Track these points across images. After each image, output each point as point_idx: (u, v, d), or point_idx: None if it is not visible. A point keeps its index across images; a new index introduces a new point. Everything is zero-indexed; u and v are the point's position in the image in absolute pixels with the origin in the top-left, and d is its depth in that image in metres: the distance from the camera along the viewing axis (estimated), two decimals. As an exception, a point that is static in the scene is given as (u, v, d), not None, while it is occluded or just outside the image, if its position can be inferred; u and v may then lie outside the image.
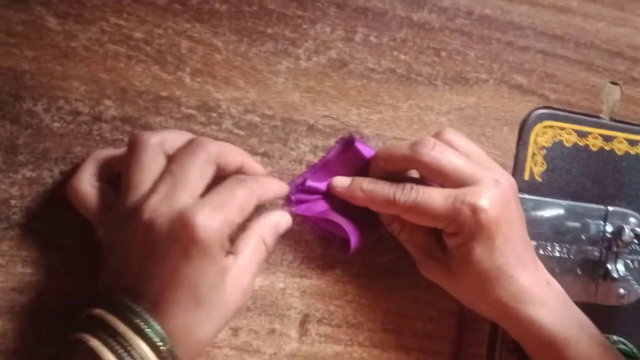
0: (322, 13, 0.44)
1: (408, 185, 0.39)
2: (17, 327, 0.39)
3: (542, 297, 0.40)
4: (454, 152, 0.40)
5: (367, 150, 0.42)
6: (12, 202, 0.39)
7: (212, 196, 0.35)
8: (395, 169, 0.41)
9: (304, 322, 0.43)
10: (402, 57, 0.46)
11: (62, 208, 0.39)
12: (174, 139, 0.37)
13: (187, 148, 0.36)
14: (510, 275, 0.40)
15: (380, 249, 0.45)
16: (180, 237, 0.33)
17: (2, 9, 0.39)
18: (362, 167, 0.42)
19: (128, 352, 0.31)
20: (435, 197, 0.39)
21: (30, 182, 0.39)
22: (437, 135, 0.41)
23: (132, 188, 0.35)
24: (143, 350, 0.31)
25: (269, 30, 0.43)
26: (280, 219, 0.39)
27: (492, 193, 0.39)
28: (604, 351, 0.40)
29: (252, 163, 0.39)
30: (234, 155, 0.38)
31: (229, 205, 0.34)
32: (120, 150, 0.39)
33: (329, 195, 0.42)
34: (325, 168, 0.43)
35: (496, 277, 0.39)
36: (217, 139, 0.42)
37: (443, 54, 0.46)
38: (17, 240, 0.39)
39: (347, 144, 0.43)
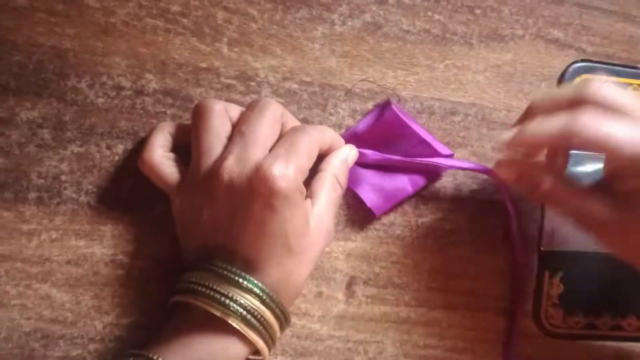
0: (354, -24, 0.47)
1: (585, 114, 0.36)
2: (74, 299, 0.43)
3: None
4: (621, 90, 0.37)
5: (404, 114, 0.46)
6: (63, 177, 0.43)
7: (280, 148, 0.38)
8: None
9: (350, 284, 0.47)
10: (437, 16, 0.49)
11: (111, 180, 0.43)
12: (234, 107, 0.41)
13: (252, 109, 0.40)
14: None
15: (422, 210, 0.48)
16: (261, 191, 0.37)
17: (42, -12, 0.43)
18: (400, 132, 0.46)
19: (234, 301, 0.36)
20: (620, 130, 0.36)
21: (78, 158, 0.43)
22: None
23: (205, 152, 0.39)
24: (247, 298, 0.36)
25: (303, -4, 0.46)
26: (348, 153, 0.43)
27: None
28: None
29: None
30: (288, 115, 0.42)
31: (298, 153, 0.38)
32: (183, 125, 0.43)
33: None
34: (359, 135, 0.46)
35: None
36: (257, 107, 0.45)
37: (477, 11, 0.49)
38: (70, 215, 0.43)
39: (383, 109, 0.46)
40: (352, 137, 0.46)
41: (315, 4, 0.46)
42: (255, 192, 0.37)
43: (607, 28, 0.52)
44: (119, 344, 0.42)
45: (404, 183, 0.46)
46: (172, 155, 0.41)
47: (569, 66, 0.50)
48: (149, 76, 0.44)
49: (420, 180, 0.46)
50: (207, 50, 0.45)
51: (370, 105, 0.47)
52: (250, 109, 0.40)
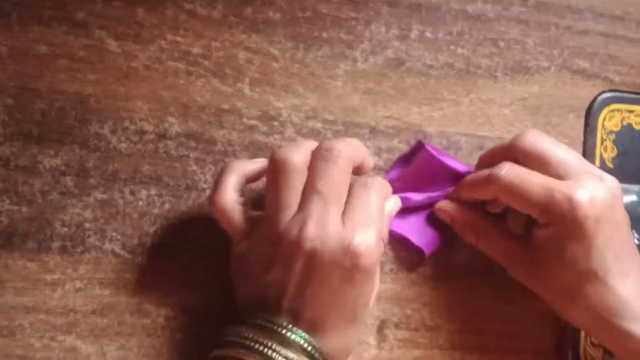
0: (375, 13, 0.47)
1: (507, 164, 0.41)
2: (100, 350, 0.42)
3: None
4: (557, 143, 0.42)
5: (438, 152, 0.45)
6: (86, 225, 0.43)
7: (356, 213, 0.38)
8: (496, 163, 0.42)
9: (381, 328, 0.46)
10: (460, 50, 0.49)
11: (135, 227, 0.43)
12: (309, 149, 0.40)
13: (324, 159, 0.38)
14: (606, 283, 0.39)
15: (453, 249, 0.47)
16: (344, 264, 0.36)
17: (64, 35, 0.43)
18: (438, 172, 0.45)
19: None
20: (533, 180, 0.40)
21: (102, 205, 0.43)
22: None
23: (282, 209, 0.38)
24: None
25: (324, 35, 0.46)
26: (393, 206, 0.43)
27: (595, 189, 0.39)
28: None
29: (368, 156, 0.42)
30: (359, 152, 0.41)
31: (376, 219, 0.38)
32: (255, 163, 0.41)
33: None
34: (395, 181, 0.46)
35: (591, 282, 0.39)
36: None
37: (501, 44, 0.49)
38: (93, 263, 0.43)
39: (415, 150, 0.46)
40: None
41: (336, 41, 0.46)
42: (338, 264, 0.36)
43: (634, 57, 0.51)
44: (147, 396, 0.42)
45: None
46: (242, 199, 0.40)
47: (596, 97, 0.50)
48: (172, 119, 0.44)
49: None
50: (229, 92, 0.45)
51: (395, 142, 0.47)
52: (322, 159, 0.38)
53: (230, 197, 0.39)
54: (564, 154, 0.41)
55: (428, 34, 0.48)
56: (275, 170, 0.39)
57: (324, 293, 0.37)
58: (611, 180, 0.41)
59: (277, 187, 0.38)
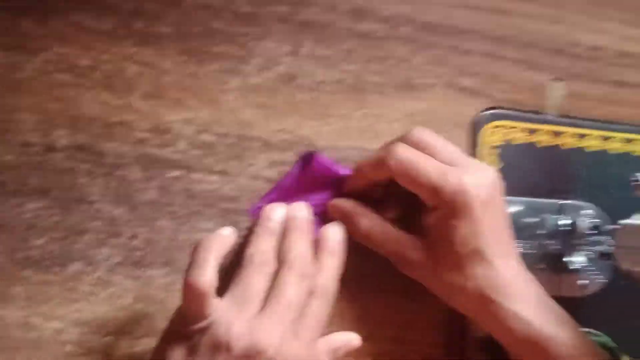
0: (267, 29, 0.50)
1: (402, 145, 0.44)
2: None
3: (524, 291, 0.44)
4: (442, 139, 0.46)
5: (328, 162, 0.48)
6: (-32, 238, 0.43)
7: (311, 322, 0.42)
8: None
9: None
10: (350, 67, 0.52)
11: (22, 240, 0.44)
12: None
13: (290, 270, 0.42)
14: (491, 263, 0.42)
15: (346, 258, 0.50)
16: None
17: (-54, 45, 0.44)
18: (329, 179, 0.48)
19: None
20: (427, 161, 0.43)
21: (-15, 218, 0.44)
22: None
23: (247, 304, 0.40)
24: None
25: (216, 50, 0.49)
26: (345, 343, 0.47)
27: (482, 175, 0.43)
28: (586, 345, 0.45)
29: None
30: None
31: (322, 326, 0.43)
32: (231, 238, 0.42)
33: None
34: (289, 189, 0.49)
35: (478, 263, 0.42)
36: (172, 160, 0.47)
37: (390, 61, 0.53)
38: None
39: (306, 160, 0.49)
40: (279, 192, 0.48)
41: (228, 56, 0.49)
42: None
43: (514, 76, 0.56)
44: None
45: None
46: (215, 284, 0.40)
47: (480, 113, 0.54)
48: (59, 132, 0.45)
49: None
50: (119, 104, 0.46)
51: (288, 155, 0.50)
52: (288, 271, 0.42)
53: (210, 280, 0.39)
54: (450, 146, 0.46)
55: (319, 51, 0.51)
56: (251, 266, 0.42)
57: None
58: (493, 170, 0.46)
59: (248, 283, 0.41)
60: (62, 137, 0.45)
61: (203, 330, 0.39)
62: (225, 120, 0.48)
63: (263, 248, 0.42)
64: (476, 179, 0.44)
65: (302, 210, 0.45)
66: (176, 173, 0.47)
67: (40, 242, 0.44)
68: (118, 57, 0.46)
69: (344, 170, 0.48)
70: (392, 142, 0.47)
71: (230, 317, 0.40)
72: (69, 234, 0.45)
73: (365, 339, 0.49)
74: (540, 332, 0.43)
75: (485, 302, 0.44)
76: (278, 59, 0.50)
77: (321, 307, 0.42)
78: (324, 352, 0.44)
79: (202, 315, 0.39)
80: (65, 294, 0.45)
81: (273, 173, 0.49)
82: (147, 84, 0.47)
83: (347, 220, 0.48)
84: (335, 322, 0.49)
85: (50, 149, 0.45)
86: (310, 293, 0.42)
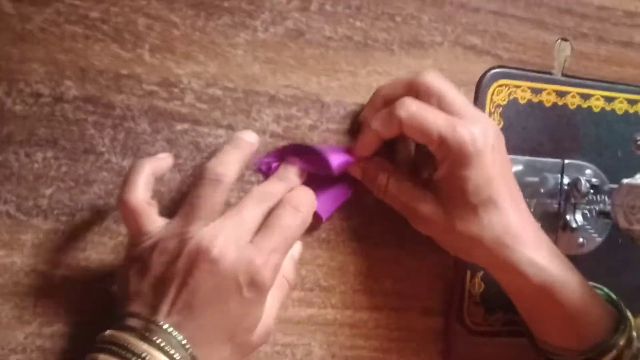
0: (276, -17, 0.50)
1: (409, 99, 0.44)
2: (-6, 311, 0.44)
3: (536, 238, 0.46)
4: (453, 85, 0.47)
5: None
6: (-20, 187, 0.44)
7: (268, 238, 0.41)
8: (396, 98, 0.46)
9: (277, 288, 0.50)
10: (358, 24, 0.52)
11: (30, 189, 0.45)
12: (241, 163, 0.44)
13: (255, 197, 0.43)
14: (505, 211, 0.44)
15: (347, 213, 0.51)
16: (239, 277, 0.39)
17: (-45, -6, 0.44)
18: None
19: None
20: (436, 113, 0.44)
21: (-4, 166, 0.45)
22: None
23: (199, 218, 0.41)
24: None
25: (225, 4, 0.49)
26: (295, 251, 0.47)
27: (488, 125, 0.45)
28: (593, 296, 0.47)
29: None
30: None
31: (281, 248, 0.42)
32: (164, 160, 0.44)
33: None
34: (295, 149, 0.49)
35: (492, 209, 0.44)
36: (180, 114, 0.48)
37: (398, 19, 0.53)
38: (-12, 225, 0.44)
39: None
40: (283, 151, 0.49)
41: (237, 10, 0.49)
42: (234, 276, 0.39)
43: (521, 35, 0.56)
44: (42, 354, 0.44)
45: (343, 186, 0.50)
46: (152, 201, 0.42)
47: (486, 72, 0.55)
48: (69, 83, 0.45)
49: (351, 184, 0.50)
50: (128, 57, 0.47)
51: (294, 110, 0.50)
52: (253, 199, 0.43)
53: (142, 197, 0.40)
54: (459, 95, 0.47)
55: (328, 7, 0.51)
56: (206, 182, 0.42)
57: (214, 299, 0.40)
58: (495, 125, 0.47)
59: (201, 198, 0.41)
60: (71, 88, 0.46)
61: (151, 248, 0.40)
62: (232, 75, 0.49)
63: (223, 164, 0.42)
64: (483, 129, 0.45)
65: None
66: (183, 126, 0.48)
67: (49, 191, 0.45)
68: (128, 10, 0.47)
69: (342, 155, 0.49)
70: (396, 83, 0.48)
71: (175, 228, 0.40)
72: (77, 184, 0.46)
73: (365, 292, 0.51)
74: (554, 278, 0.45)
75: (502, 249, 0.45)
76: (286, 14, 0.50)
77: (287, 219, 0.42)
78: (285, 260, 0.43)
79: (142, 232, 0.40)
80: (73, 242, 0.46)
81: (279, 128, 0.50)
82: (157, 37, 0.47)
83: (365, 175, 0.49)
84: (335, 275, 0.50)
85: (60, 99, 0.45)
86: (281, 206, 0.43)
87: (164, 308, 0.38)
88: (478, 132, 0.43)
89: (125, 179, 0.41)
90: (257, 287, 0.40)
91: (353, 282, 0.51)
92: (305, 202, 0.45)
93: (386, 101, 0.47)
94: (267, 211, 0.42)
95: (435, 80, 0.45)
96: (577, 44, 0.58)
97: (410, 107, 0.45)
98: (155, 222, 0.41)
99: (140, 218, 0.40)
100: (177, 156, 0.48)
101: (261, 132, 0.49)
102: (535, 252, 0.45)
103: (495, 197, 0.44)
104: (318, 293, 0.50)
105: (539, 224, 0.50)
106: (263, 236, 0.41)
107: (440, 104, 0.45)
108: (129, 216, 0.41)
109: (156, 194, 0.46)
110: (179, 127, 0.48)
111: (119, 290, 0.42)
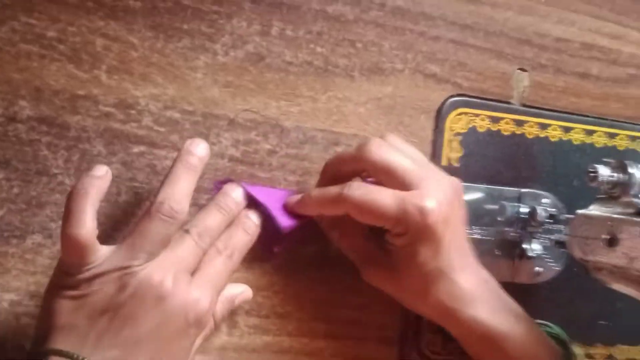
0: (237, 8, 0.50)
1: (356, 183, 0.44)
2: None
3: (481, 296, 0.47)
4: (401, 152, 0.46)
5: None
6: None
7: (209, 276, 0.42)
8: (345, 173, 0.48)
9: (232, 314, 0.49)
10: (319, 49, 0.53)
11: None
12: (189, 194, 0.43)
13: (190, 233, 0.43)
14: (451, 278, 0.46)
15: (306, 241, 0.51)
16: (188, 316, 0.40)
17: None
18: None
19: None
20: (384, 195, 0.43)
21: (-56, 187, 0.43)
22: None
23: (145, 247, 0.40)
24: None
25: (185, 26, 0.49)
26: (238, 294, 0.47)
27: (439, 194, 0.44)
28: (539, 340, 0.48)
29: None
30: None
31: (221, 285, 0.43)
32: (105, 180, 0.41)
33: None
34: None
35: (439, 279, 0.45)
36: (136, 136, 0.47)
37: (359, 45, 0.54)
38: None
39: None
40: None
41: (197, 33, 0.49)
42: (184, 315, 0.40)
43: (481, 64, 0.57)
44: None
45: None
46: (96, 230, 0.39)
47: (445, 100, 0.55)
48: (23, 103, 0.45)
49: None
50: (85, 77, 0.46)
51: (253, 134, 0.50)
52: (188, 231, 0.43)
53: (88, 230, 0.38)
54: (407, 163, 0.46)
55: (288, 32, 0.51)
56: (157, 219, 0.41)
57: (155, 338, 0.39)
58: (450, 182, 0.47)
59: (152, 230, 0.40)
60: (25, 108, 0.45)
61: (92, 278, 0.38)
62: (191, 98, 0.49)
63: (177, 199, 0.41)
64: (435, 200, 0.44)
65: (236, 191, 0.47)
66: (140, 149, 0.47)
67: None
68: (86, 30, 0.46)
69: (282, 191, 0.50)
70: (342, 158, 0.49)
71: (120, 259, 0.39)
72: (29, 206, 0.45)
73: (322, 320, 0.51)
74: (495, 330, 0.46)
75: (447, 311, 0.47)
76: (247, 38, 0.50)
77: (222, 265, 0.43)
78: (218, 302, 0.44)
79: (83, 264, 0.38)
80: (23, 266, 0.45)
81: (238, 152, 0.50)
82: (114, 58, 0.47)
83: (320, 225, 0.50)
84: (292, 302, 0.50)
85: (13, 119, 0.45)
86: (217, 252, 0.43)
87: (103, 343, 0.37)
88: (429, 206, 0.43)
89: (70, 207, 0.38)
90: (202, 325, 0.41)
91: (310, 309, 0.51)
92: (239, 246, 0.45)
93: (335, 178, 0.47)
94: (215, 231, 0.43)
95: (379, 153, 0.45)
96: (535, 74, 0.59)
97: (359, 192, 0.44)
98: (97, 252, 0.38)
99: (85, 251, 0.38)
100: (132, 179, 0.47)
101: (219, 156, 0.49)
102: (478, 310, 0.47)
103: (441, 267, 0.46)
104: (274, 320, 0.50)
105: (497, 252, 0.51)
106: (208, 271, 0.42)
107: (388, 177, 0.44)
108: (75, 250, 0.38)
109: (109, 218, 0.46)
110: (136, 149, 0.47)
111: (39, 322, 0.39)
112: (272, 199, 0.48)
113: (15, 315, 0.44)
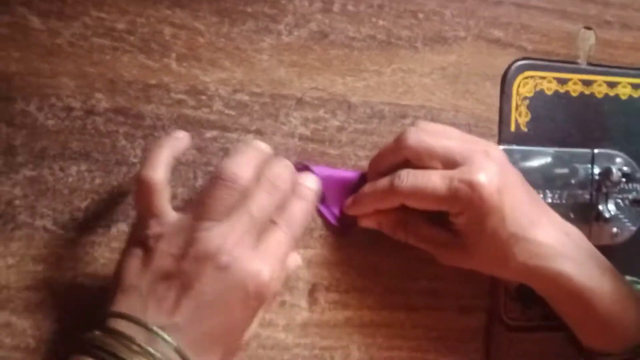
0: (298, -13, 0.51)
1: (404, 172, 0.45)
2: (34, 324, 0.45)
3: (563, 249, 0.47)
4: (437, 134, 0.47)
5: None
6: (16, 202, 0.45)
7: (271, 248, 0.41)
8: (389, 167, 0.48)
9: (312, 291, 0.50)
10: (381, 22, 0.53)
11: (66, 203, 0.46)
12: (257, 163, 0.42)
13: (267, 191, 0.41)
14: (528, 238, 0.45)
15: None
16: (248, 287, 0.39)
17: (-16, 13, 0.45)
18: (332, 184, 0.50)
19: None
20: (432, 178, 0.44)
21: (31, 182, 0.45)
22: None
23: (210, 217, 0.40)
24: None
25: (249, 9, 0.50)
26: (291, 262, 0.45)
27: (486, 166, 0.45)
28: (627, 294, 0.48)
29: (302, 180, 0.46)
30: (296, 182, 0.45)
31: (282, 257, 0.42)
32: (184, 140, 0.43)
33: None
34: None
35: (514, 243, 0.45)
36: (208, 121, 0.49)
37: (420, 15, 0.54)
38: (26, 240, 0.45)
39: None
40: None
41: (261, 15, 0.49)
42: (243, 286, 0.39)
43: (545, 26, 0.57)
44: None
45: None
46: (168, 186, 0.41)
47: (511, 65, 0.55)
48: (99, 95, 0.46)
49: None
50: (156, 67, 0.47)
51: (321, 112, 0.51)
52: (265, 191, 0.41)
53: (160, 176, 0.40)
54: (446, 142, 0.47)
55: (350, 7, 0.52)
56: (221, 183, 0.41)
57: (216, 309, 0.39)
58: (495, 150, 0.47)
59: (214, 199, 0.40)
60: (101, 100, 0.46)
61: (158, 236, 0.39)
62: (259, 80, 0.50)
63: (239, 165, 0.41)
64: (483, 173, 0.45)
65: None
66: (213, 133, 0.48)
67: (84, 204, 0.46)
68: (154, 20, 0.47)
69: (351, 174, 0.51)
70: (384, 153, 0.49)
71: (185, 224, 0.39)
72: (111, 196, 0.47)
73: (400, 292, 0.52)
74: (583, 285, 0.46)
75: (530, 270, 0.46)
76: (310, 16, 0.51)
77: (282, 235, 0.42)
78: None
79: (152, 213, 0.40)
80: (110, 254, 0.46)
81: (307, 131, 0.51)
82: (183, 45, 0.48)
83: (382, 227, 0.50)
84: (370, 276, 0.51)
85: (91, 112, 0.46)
86: (275, 223, 0.42)
87: (163, 309, 0.38)
88: (480, 180, 0.43)
89: (147, 157, 0.41)
90: (263, 297, 0.39)
91: (388, 282, 0.51)
92: (297, 214, 0.44)
93: (381, 174, 0.48)
94: (275, 205, 0.42)
95: (417, 139, 0.46)
96: (601, 32, 0.58)
97: (408, 180, 0.45)
98: (165, 207, 0.40)
99: (153, 197, 0.40)
100: (207, 163, 0.48)
101: (289, 135, 0.50)
102: (563, 264, 0.46)
103: (513, 231, 0.46)
104: (354, 295, 0.51)
105: (571, 215, 0.51)
106: (269, 243, 0.41)
107: (431, 161, 0.45)
108: (143, 193, 0.40)
109: (187, 202, 0.47)
110: (208, 134, 0.48)
111: (112, 280, 0.41)
112: (339, 188, 0.50)
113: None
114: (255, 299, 0.40)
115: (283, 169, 0.44)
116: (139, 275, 0.39)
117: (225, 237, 0.40)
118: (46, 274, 0.45)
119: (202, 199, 0.41)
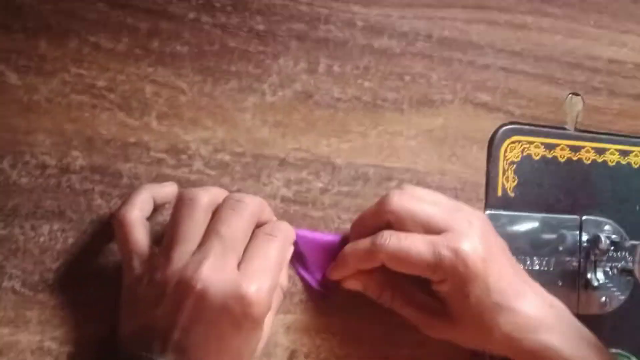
0: (283, 47, 0.50)
1: (386, 232, 0.44)
2: (-2, 392, 0.43)
3: (548, 321, 0.46)
4: (421, 199, 0.46)
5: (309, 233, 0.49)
6: (-15, 262, 0.43)
7: (254, 262, 0.40)
8: (371, 229, 0.47)
9: (291, 358, 0.48)
10: (367, 84, 0.52)
11: (36, 263, 0.44)
12: (218, 195, 0.42)
13: (231, 208, 0.41)
14: (512, 308, 0.44)
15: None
16: (234, 310, 0.38)
17: (-39, 67, 0.44)
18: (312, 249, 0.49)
19: None
20: (416, 242, 0.43)
21: (1, 241, 0.44)
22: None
23: (180, 243, 0.39)
24: None
25: (232, 68, 0.49)
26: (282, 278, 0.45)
27: (470, 234, 0.44)
28: None
29: (273, 217, 0.45)
30: (266, 211, 0.44)
31: (272, 270, 0.40)
32: (166, 186, 0.44)
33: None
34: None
35: (499, 313, 0.44)
36: (189, 180, 0.47)
37: (407, 78, 0.53)
38: (-8, 302, 0.43)
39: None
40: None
41: (244, 75, 0.49)
42: (228, 309, 0.38)
43: (532, 91, 0.56)
44: None
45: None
46: (147, 223, 0.41)
47: (498, 129, 0.54)
48: (75, 153, 0.45)
49: None
50: (136, 125, 0.46)
51: (304, 174, 0.50)
52: (229, 207, 0.41)
53: (135, 214, 0.41)
54: (429, 208, 0.46)
55: (336, 68, 0.51)
56: (182, 205, 0.41)
57: (210, 336, 0.39)
58: (478, 219, 0.46)
59: (179, 221, 0.41)
60: (78, 158, 0.45)
61: (139, 279, 0.40)
62: (241, 140, 0.49)
63: (197, 189, 0.42)
64: (468, 241, 0.44)
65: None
66: (192, 193, 0.47)
67: (55, 265, 0.44)
68: (135, 78, 0.46)
69: (331, 237, 0.50)
70: (366, 216, 0.48)
71: (161, 257, 0.40)
72: (84, 256, 0.45)
73: (384, 358, 0.50)
74: (568, 358, 0.44)
75: (515, 342, 0.45)
76: (294, 76, 0.50)
77: (268, 246, 0.41)
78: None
79: (132, 251, 0.40)
80: (79, 316, 0.45)
81: (290, 192, 0.50)
82: (164, 104, 0.47)
83: (367, 289, 0.49)
84: (350, 344, 0.49)
85: (66, 170, 0.45)
86: (264, 234, 0.42)
87: (158, 345, 0.38)
88: (464, 247, 0.43)
89: (127, 198, 0.42)
90: (254, 315, 0.38)
91: (369, 349, 0.50)
92: (283, 228, 0.43)
93: (363, 237, 0.46)
94: (246, 221, 0.41)
95: (400, 203, 0.45)
96: (588, 98, 0.57)
97: (392, 242, 0.44)
98: (143, 244, 0.41)
99: (130, 234, 0.40)
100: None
101: (271, 197, 0.49)
102: (549, 336, 0.45)
103: (497, 301, 0.45)
104: (334, 363, 0.49)
105: (559, 283, 0.50)
106: (251, 256, 0.40)
107: (415, 226, 0.44)
108: (119, 231, 0.41)
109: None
110: (188, 194, 0.47)
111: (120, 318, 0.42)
112: (320, 251, 0.49)
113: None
114: (245, 318, 0.38)
115: (246, 195, 0.43)
116: (133, 318, 0.40)
117: (198, 263, 0.39)
118: (12, 337, 0.43)
119: (169, 226, 0.41)
